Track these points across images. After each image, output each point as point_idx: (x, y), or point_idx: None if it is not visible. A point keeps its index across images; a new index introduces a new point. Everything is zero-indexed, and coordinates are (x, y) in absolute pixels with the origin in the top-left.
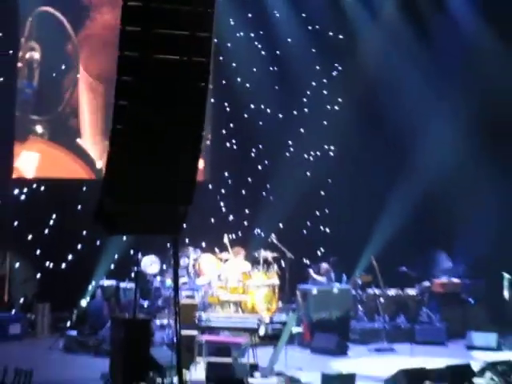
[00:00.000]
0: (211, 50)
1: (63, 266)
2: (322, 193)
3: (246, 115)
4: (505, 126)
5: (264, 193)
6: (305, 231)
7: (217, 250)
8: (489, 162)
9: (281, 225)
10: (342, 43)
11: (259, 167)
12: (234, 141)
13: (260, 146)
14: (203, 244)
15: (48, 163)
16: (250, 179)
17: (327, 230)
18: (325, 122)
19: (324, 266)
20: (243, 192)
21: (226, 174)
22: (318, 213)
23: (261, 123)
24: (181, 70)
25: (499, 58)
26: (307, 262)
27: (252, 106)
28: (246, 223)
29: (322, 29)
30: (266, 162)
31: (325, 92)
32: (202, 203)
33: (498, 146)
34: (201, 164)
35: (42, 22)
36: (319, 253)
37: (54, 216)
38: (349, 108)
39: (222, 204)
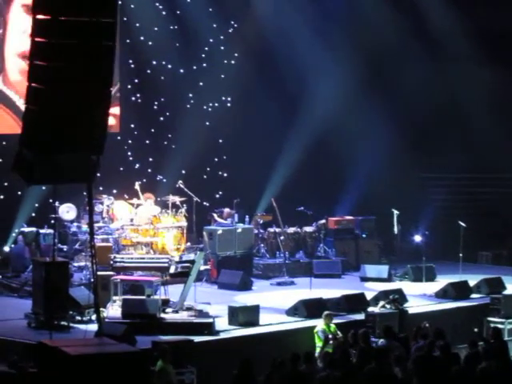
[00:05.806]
0: (117, 12)
1: None
2: (221, 140)
3: (149, 71)
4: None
5: (166, 142)
6: (205, 176)
7: (126, 195)
8: (373, 108)
9: (183, 171)
10: (237, 2)
11: (161, 118)
12: (138, 95)
13: (162, 99)
14: (114, 191)
15: None
16: (152, 130)
17: (225, 174)
18: (222, 76)
19: (226, 210)
20: (147, 142)
21: (132, 125)
22: (216, 159)
23: (163, 78)
24: (90, 31)
25: (381, 12)
26: (207, 204)
27: (154, 63)
28: (150, 170)
29: None
30: (168, 113)
31: (222, 48)
32: (111, 153)
33: (381, 95)
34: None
35: None
36: (217, 196)
37: None
38: (244, 62)
39: (129, 153)
